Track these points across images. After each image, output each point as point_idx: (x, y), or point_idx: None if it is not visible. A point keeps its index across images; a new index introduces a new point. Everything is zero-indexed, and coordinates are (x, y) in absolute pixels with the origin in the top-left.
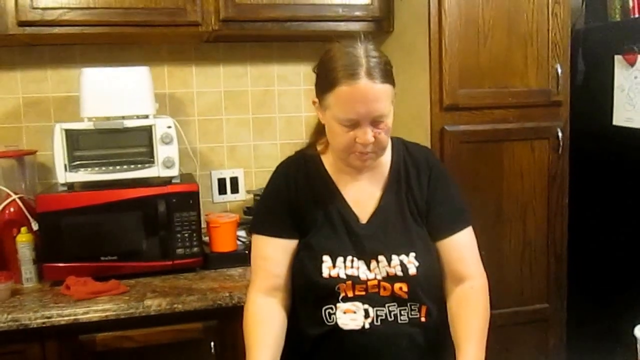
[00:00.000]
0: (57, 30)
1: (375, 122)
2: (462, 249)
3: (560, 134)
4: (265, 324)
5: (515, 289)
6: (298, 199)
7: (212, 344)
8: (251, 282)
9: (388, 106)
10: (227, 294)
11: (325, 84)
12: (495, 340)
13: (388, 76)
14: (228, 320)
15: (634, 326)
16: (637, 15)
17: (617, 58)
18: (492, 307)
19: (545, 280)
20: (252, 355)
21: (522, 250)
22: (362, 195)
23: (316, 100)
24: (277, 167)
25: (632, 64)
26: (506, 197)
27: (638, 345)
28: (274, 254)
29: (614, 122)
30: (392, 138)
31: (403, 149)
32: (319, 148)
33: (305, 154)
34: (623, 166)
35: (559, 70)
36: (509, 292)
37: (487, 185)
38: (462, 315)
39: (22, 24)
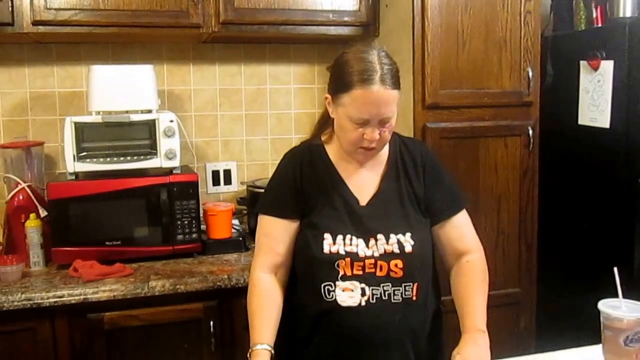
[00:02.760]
0: (68, 29)
1: (382, 122)
2: (460, 228)
3: (531, 132)
4: (269, 298)
5: (489, 274)
6: (303, 184)
7: (212, 323)
8: (255, 258)
9: (395, 109)
10: (226, 276)
11: (340, 85)
12: None
13: (397, 82)
14: (227, 301)
15: (597, 305)
16: (600, 25)
17: (582, 63)
18: None
19: (517, 266)
20: (256, 326)
21: (495, 238)
22: (363, 182)
23: (328, 96)
24: (285, 155)
25: (595, 68)
26: (482, 190)
27: (601, 318)
28: (277, 233)
29: (580, 122)
30: None
31: (400, 142)
32: (323, 138)
33: (311, 144)
34: (587, 162)
35: (530, 74)
36: None
37: (464, 178)
38: (462, 283)
39: (36, 23)
